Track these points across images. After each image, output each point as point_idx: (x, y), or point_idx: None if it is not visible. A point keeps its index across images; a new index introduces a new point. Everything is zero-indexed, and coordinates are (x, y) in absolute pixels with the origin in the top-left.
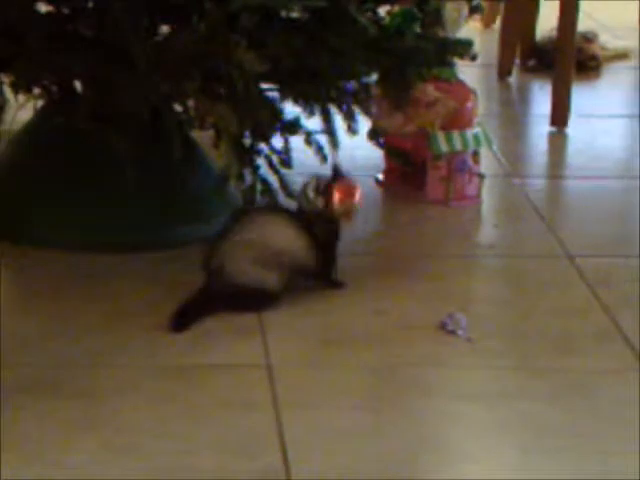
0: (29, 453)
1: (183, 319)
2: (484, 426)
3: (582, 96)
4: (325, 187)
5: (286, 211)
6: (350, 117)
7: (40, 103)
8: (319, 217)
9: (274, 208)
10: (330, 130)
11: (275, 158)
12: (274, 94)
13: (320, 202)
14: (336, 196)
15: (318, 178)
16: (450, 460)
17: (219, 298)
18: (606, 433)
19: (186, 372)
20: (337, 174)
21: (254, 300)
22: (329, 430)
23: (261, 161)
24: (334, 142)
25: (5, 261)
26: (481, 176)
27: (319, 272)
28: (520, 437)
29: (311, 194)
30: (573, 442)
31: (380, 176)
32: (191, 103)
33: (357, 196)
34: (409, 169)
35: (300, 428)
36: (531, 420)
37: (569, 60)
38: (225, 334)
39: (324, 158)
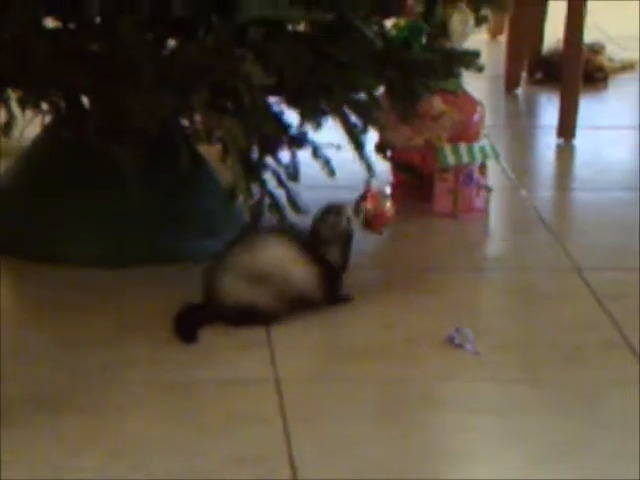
0: (33, 467)
1: (189, 330)
2: (492, 438)
3: (589, 108)
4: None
5: (292, 234)
6: (357, 130)
7: (48, 118)
8: (332, 242)
9: (280, 230)
10: (356, 140)
11: (282, 172)
12: (281, 107)
13: (359, 222)
14: (368, 207)
15: (357, 200)
16: (459, 472)
17: (214, 316)
18: (613, 445)
19: (193, 386)
20: (368, 188)
21: (246, 320)
22: (337, 443)
23: (269, 175)
24: (361, 153)
25: (12, 275)
26: (488, 189)
27: (323, 299)
28: (528, 449)
29: (345, 221)
30: (581, 453)
31: (388, 189)
32: (198, 117)
33: (389, 207)
34: (416, 182)
35: (308, 441)
36: (539, 432)
37: (576, 72)
38: (232, 348)
39: (332, 172)
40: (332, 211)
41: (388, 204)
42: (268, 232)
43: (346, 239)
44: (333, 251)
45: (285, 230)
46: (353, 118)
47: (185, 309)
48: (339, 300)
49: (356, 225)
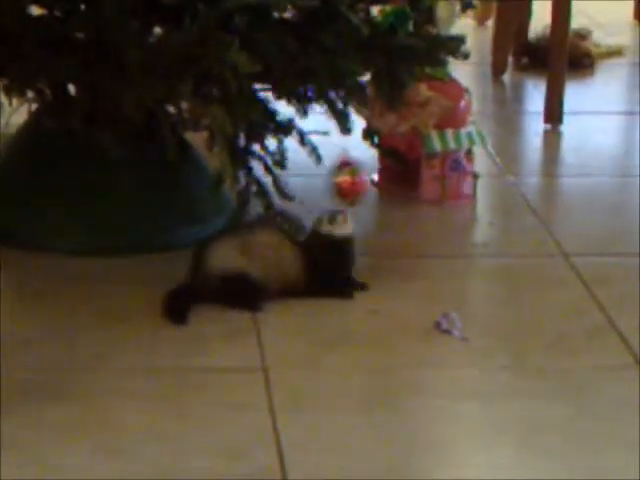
0: (24, 455)
1: (179, 311)
2: (480, 425)
3: (576, 93)
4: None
5: (277, 226)
6: (344, 117)
7: (34, 106)
8: (320, 239)
9: (266, 221)
10: (339, 115)
11: (269, 159)
12: (267, 94)
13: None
14: (342, 178)
15: (331, 212)
16: (446, 459)
17: (204, 290)
18: (602, 431)
19: (181, 375)
20: (344, 159)
21: (236, 293)
22: (325, 431)
23: (255, 162)
24: (345, 126)
25: (2, 265)
26: (475, 175)
27: (306, 288)
28: (516, 436)
29: (326, 225)
30: (569, 440)
31: (375, 176)
32: (184, 105)
33: (363, 179)
34: (403, 168)
35: (296, 430)
36: (527, 419)
37: (562, 58)
38: (220, 336)
39: (318, 159)
40: (323, 220)
41: (362, 175)
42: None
43: (342, 246)
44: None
45: (280, 228)
46: (339, 104)
47: (174, 291)
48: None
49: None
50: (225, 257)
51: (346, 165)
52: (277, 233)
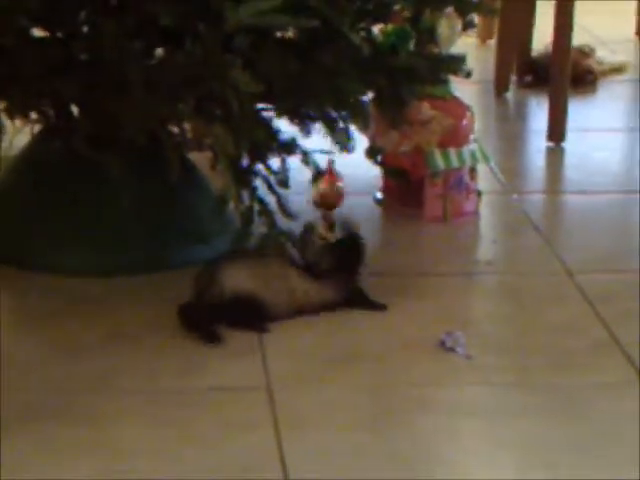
0: (28, 476)
1: (213, 331)
2: (484, 442)
3: (579, 111)
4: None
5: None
6: (345, 136)
7: (37, 128)
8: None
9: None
10: (339, 134)
11: (273, 179)
12: (270, 114)
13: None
14: (320, 187)
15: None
16: (450, 477)
17: (211, 311)
18: (605, 447)
19: (185, 395)
20: (326, 170)
21: (246, 310)
22: (329, 449)
23: (259, 182)
24: (342, 144)
25: (5, 286)
26: (478, 193)
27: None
28: (519, 453)
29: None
30: (572, 457)
31: (378, 194)
32: (187, 125)
33: (338, 189)
34: (407, 187)
35: (300, 448)
36: (530, 436)
37: (565, 75)
38: (224, 355)
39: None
40: (304, 232)
41: (338, 186)
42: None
43: (329, 250)
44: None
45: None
46: (341, 124)
47: (189, 307)
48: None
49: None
50: (234, 280)
51: (327, 171)
52: (288, 262)
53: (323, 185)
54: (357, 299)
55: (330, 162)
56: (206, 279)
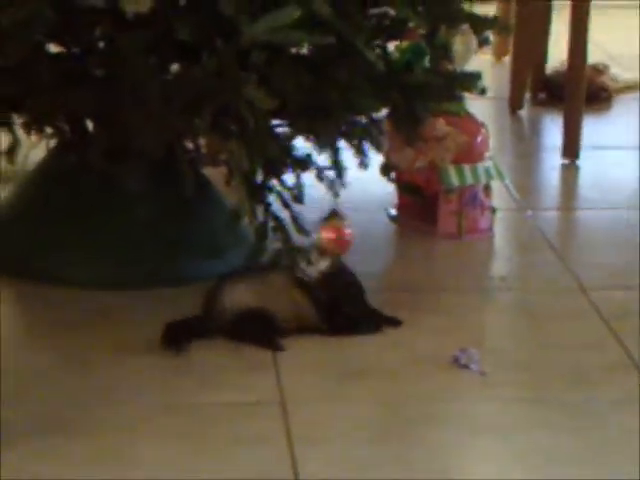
0: None
1: (176, 340)
2: (497, 458)
3: (593, 128)
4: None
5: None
6: (361, 152)
7: (52, 142)
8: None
9: (276, 267)
10: (337, 165)
11: (287, 194)
12: (285, 130)
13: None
14: (325, 236)
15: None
16: None
17: (218, 324)
18: (619, 465)
19: (198, 409)
20: (332, 214)
21: (256, 325)
22: (343, 464)
23: (273, 197)
24: (340, 177)
25: (13, 296)
26: (493, 209)
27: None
28: (534, 469)
29: (314, 257)
30: (586, 474)
31: (393, 211)
32: (202, 140)
33: (345, 232)
34: (421, 203)
35: (314, 463)
36: (545, 452)
37: (579, 92)
38: (238, 370)
39: (336, 194)
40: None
41: (346, 231)
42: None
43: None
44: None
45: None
46: (356, 140)
47: (174, 322)
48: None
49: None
50: (240, 296)
51: (334, 216)
52: (291, 277)
53: (327, 234)
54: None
55: (334, 209)
56: (212, 297)
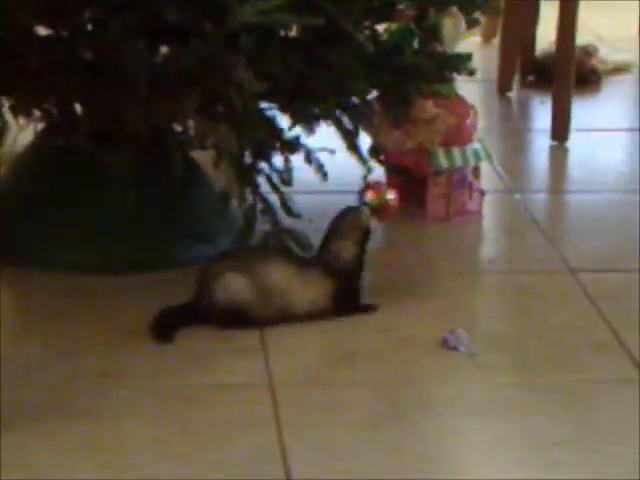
0: (34, 474)
1: (165, 329)
2: (486, 441)
3: (582, 110)
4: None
5: (289, 252)
6: (351, 134)
7: (40, 125)
8: (349, 237)
9: (276, 249)
10: (353, 145)
11: (276, 177)
12: (273, 113)
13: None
14: (370, 200)
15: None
16: (453, 475)
17: (204, 313)
18: (608, 446)
19: (187, 392)
20: (367, 182)
21: (234, 322)
22: (332, 448)
23: (262, 180)
24: (356, 153)
25: (5, 283)
26: (482, 192)
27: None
28: (523, 452)
29: (363, 218)
30: (576, 456)
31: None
32: (191, 123)
33: (391, 196)
34: (410, 185)
35: (303, 446)
36: (534, 435)
37: (569, 74)
38: (226, 353)
39: (325, 176)
40: (350, 209)
41: (390, 193)
42: (264, 249)
43: (363, 236)
44: (349, 247)
45: (285, 250)
46: (346, 122)
47: (166, 310)
48: (358, 310)
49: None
50: (228, 290)
51: (371, 191)
52: (291, 263)
53: (370, 197)
54: (347, 304)
55: (365, 179)
56: (202, 284)
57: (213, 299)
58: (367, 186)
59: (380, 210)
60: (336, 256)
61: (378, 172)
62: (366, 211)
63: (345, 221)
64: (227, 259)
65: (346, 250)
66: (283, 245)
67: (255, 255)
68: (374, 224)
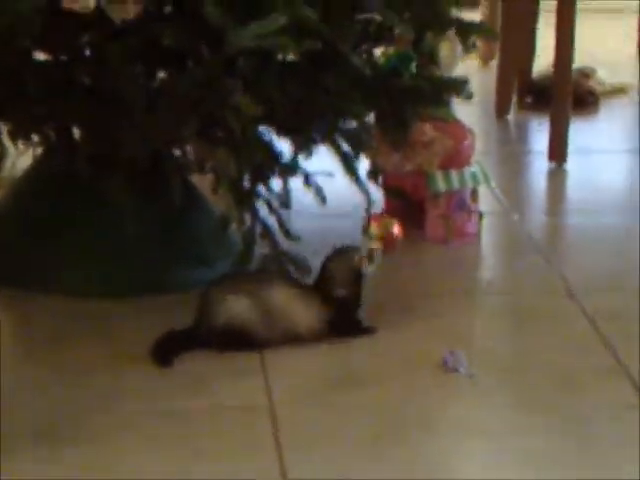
0: None
1: (166, 353)
2: (486, 462)
3: (580, 132)
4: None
5: (288, 275)
6: (349, 157)
7: (39, 150)
8: (342, 281)
9: (276, 274)
10: (350, 168)
11: (274, 200)
12: (272, 136)
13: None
14: (374, 227)
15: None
16: None
17: (204, 337)
18: (608, 470)
19: (187, 415)
20: (370, 214)
21: (234, 345)
22: (332, 470)
23: (260, 203)
24: (357, 180)
25: (4, 305)
26: (480, 214)
27: (336, 329)
28: (521, 473)
29: (356, 260)
30: (573, 477)
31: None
32: (189, 148)
33: (395, 228)
34: (408, 208)
35: (303, 468)
36: (532, 456)
37: (566, 96)
38: (226, 375)
39: (323, 199)
40: (343, 251)
41: (394, 226)
42: (265, 272)
43: (356, 278)
44: (342, 290)
45: (285, 273)
46: (344, 146)
47: (167, 333)
48: (357, 333)
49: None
50: (230, 312)
51: (375, 222)
52: (292, 286)
53: (374, 229)
54: (345, 328)
55: (368, 211)
56: (203, 307)
57: (213, 321)
58: (371, 217)
59: (384, 241)
60: (332, 293)
61: (377, 196)
62: (357, 255)
63: (336, 266)
64: (227, 282)
65: (340, 289)
66: (282, 268)
67: (256, 278)
68: (367, 267)
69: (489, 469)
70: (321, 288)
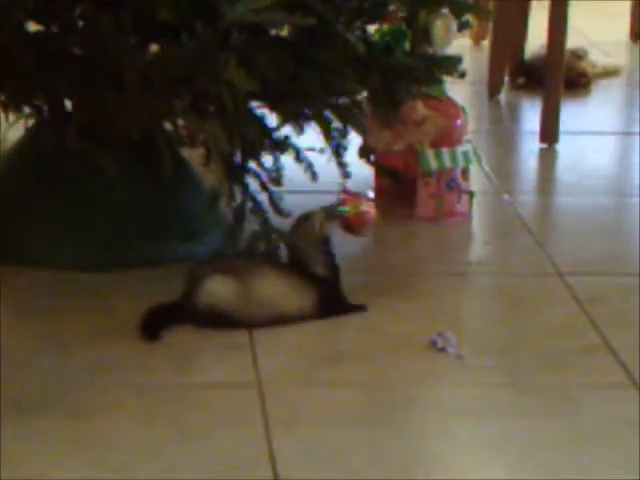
0: (21, 471)
1: (153, 327)
2: (474, 442)
3: (572, 113)
4: (333, 212)
5: (276, 260)
6: (341, 135)
7: (31, 122)
8: (310, 251)
9: (264, 257)
10: (335, 148)
11: (265, 176)
12: (263, 112)
13: (329, 229)
14: (346, 210)
15: (325, 209)
16: (441, 477)
17: (189, 314)
18: (596, 449)
19: (176, 390)
20: (344, 191)
21: (217, 325)
22: (319, 447)
23: (251, 179)
24: (337, 158)
25: None
26: (471, 193)
27: (325, 309)
28: (509, 453)
29: (317, 225)
30: (562, 458)
31: (371, 194)
32: (181, 121)
33: (366, 207)
34: (399, 186)
35: (290, 446)
36: (520, 436)
37: (558, 77)
38: (214, 351)
39: (314, 175)
40: (302, 219)
41: (368, 205)
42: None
43: (322, 243)
44: (315, 259)
45: (267, 257)
46: (336, 122)
47: (154, 308)
48: (347, 311)
49: (334, 228)
50: (215, 295)
51: (348, 201)
52: (279, 272)
53: (347, 208)
54: (335, 306)
55: (343, 188)
56: (189, 286)
57: (197, 301)
58: (345, 194)
59: (352, 220)
60: (306, 266)
61: (365, 179)
62: (318, 217)
63: (300, 232)
64: (216, 263)
65: (314, 263)
66: (269, 248)
67: (243, 265)
68: (330, 229)
69: (477, 449)
70: (298, 265)
